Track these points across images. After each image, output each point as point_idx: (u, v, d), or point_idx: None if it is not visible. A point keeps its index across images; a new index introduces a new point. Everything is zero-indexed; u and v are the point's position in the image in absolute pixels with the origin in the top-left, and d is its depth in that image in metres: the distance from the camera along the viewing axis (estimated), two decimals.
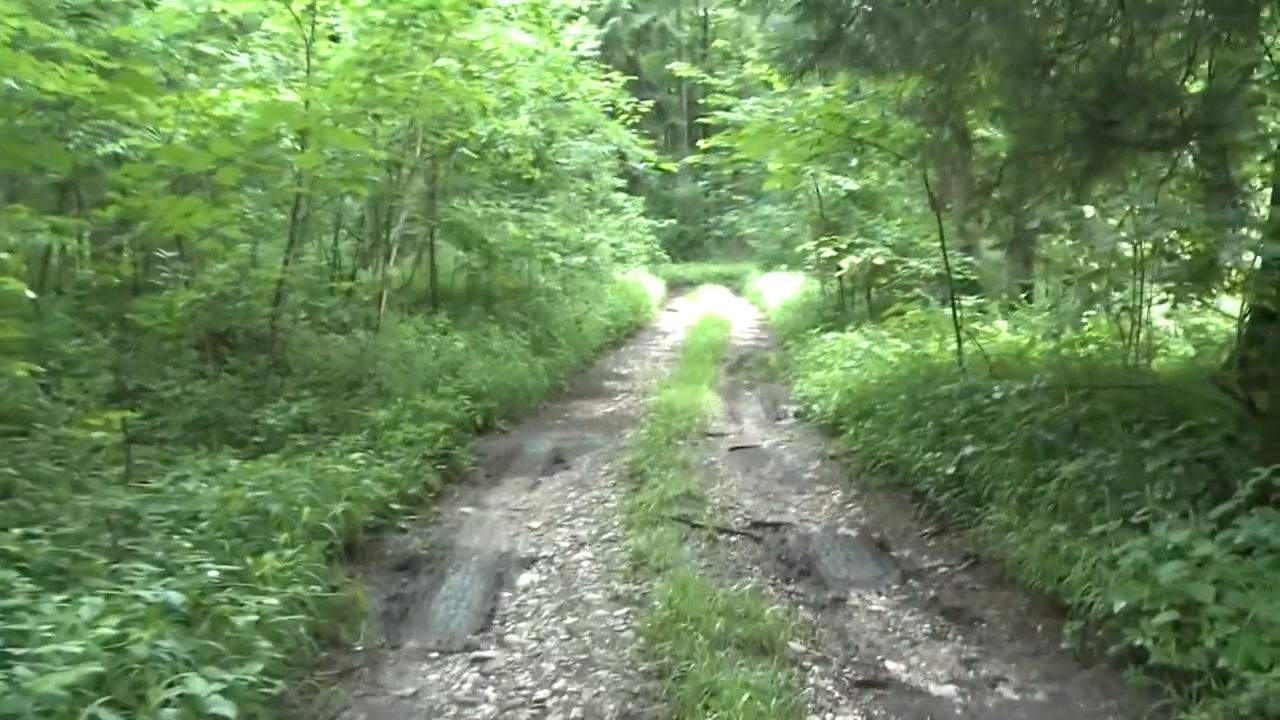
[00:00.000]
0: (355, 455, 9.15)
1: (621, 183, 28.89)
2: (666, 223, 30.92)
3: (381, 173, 15.91)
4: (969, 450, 8.13)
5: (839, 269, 19.07)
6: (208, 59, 11.92)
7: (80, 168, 9.69)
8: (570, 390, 15.90)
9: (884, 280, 15.69)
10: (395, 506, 8.47)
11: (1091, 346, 10.64)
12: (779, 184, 11.60)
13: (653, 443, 11.11)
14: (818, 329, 17.96)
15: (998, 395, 8.34)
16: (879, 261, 15.13)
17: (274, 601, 5.37)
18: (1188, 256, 8.15)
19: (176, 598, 4.79)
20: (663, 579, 6.80)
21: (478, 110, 15.37)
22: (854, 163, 15.38)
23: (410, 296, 17.11)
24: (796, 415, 13.45)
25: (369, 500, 8.14)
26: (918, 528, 8.13)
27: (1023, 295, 16.60)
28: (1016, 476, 7.51)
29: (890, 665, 5.73)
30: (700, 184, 50.23)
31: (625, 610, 6.39)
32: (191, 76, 11.39)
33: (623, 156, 27.03)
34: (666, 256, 32.15)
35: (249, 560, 5.78)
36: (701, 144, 16.43)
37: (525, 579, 7.27)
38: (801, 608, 6.48)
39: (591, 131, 23.41)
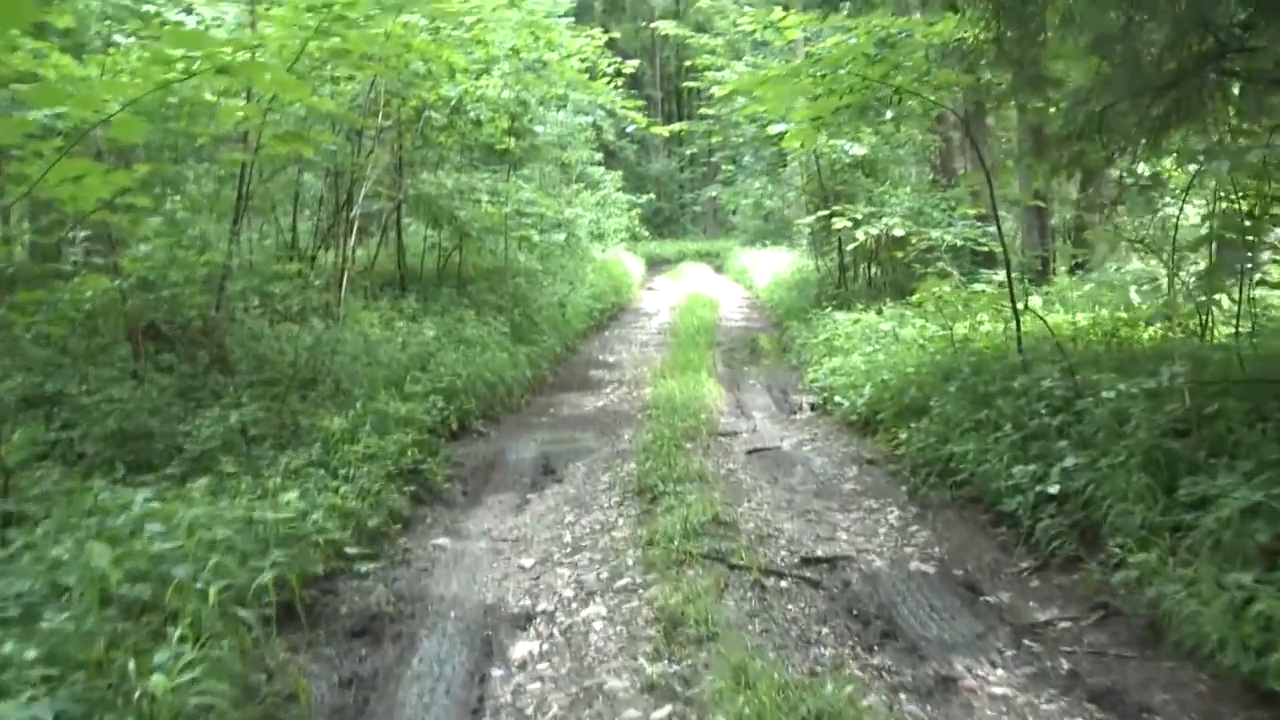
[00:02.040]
0: (303, 478, 7.36)
1: (598, 156, 27.10)
2: (644, 198, 29.07)
3: (339, 141, 14.07)
4: (1070, 462, 6.37)
5: (839, 242, 17.36)
6: (144, 16, 10.09)
7: None
8: (555, 381, 14.08)
9: (900, 253, 13.93)
10: (351, 550, 6.61)
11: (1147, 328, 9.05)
12: (798, 142, 9.77)
13: (658, 447, 9.32)
14: (821, 308, 16.20)
15: (1109, 395, 6.59)
16: (899, 233, 13.35)
17: None
18: None
19: None
20: (708, 653, 5.03)
21: (445, 71, 13.54)
22: (888, 115, 13.58)
23: (376, 279, 15.24)
24: (813, 408, 11.69)
25: (317, 545, 6.29)
26: (1010, 561, 6.36)
27: (1041, 268, 14.93)
28: (1145, 499, 5.76)
29: None
30: (677, 159, 48.55)
31: (666, 713, 4.58)
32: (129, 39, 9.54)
33: (599, 129, 25.25)
34: (646, 233, 30.30)
35: (131, 667, 3.96)
36: (716, 90, 14.46)
37: (521, 649, 5.46)
38: (903, 696, 4.69)
39: (566, 103, 21.67)
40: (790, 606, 5.74)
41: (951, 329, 10.40)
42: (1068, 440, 6.68)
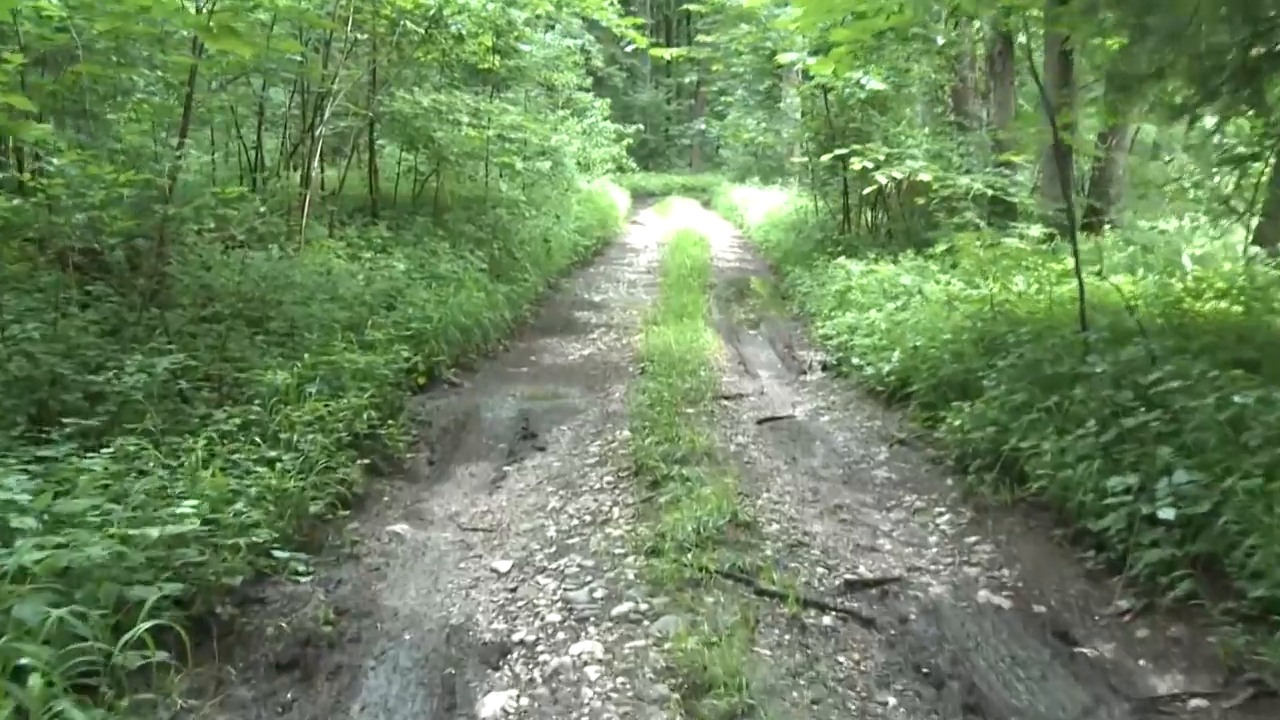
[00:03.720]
0: (235, 445, 5.98)
1: (587, 82, 25.44)
2: (633, 128, 27.42)
3: (307, 52, 12.51)
4: (1182, 479, 5.03)
5: (845, 184, 15.92)
6: None
7: None
8: (536, 324, 12.67)
9: (921, 200, 12.51)
10: (279, 553, 5.21)
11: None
12: (829, 70, 8.27)
13: (656, 412, 7.99)
14: (826, 254, 14.79)
15: (1242, 401, 5.25)
16: (925, 178, 11.91)
17: None
18: None
19: None
20: None
21: None
22: (939, 41, 12.17)
23: (347, 204, 13.73)
24: (825, 368, 10.34)
25: (237, 550, 4.90)
26: (1103, 597, 5.03)
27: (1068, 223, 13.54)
28: None
29: None
30: (664, 90, 46.85)
31: None
32: None
33: (588, 54, 23.62)
34: (634, 165, 28.72)
35: None
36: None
37: (493, 704, 4.11)
38: None
39: (555, 24, 20.04)
40: (841, 659, 4.40)
41: (992, 290, 9.02)
42: (1170, 447, 5.33)
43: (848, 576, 5.25)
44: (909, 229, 14.67)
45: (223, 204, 9.53)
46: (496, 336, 11.08)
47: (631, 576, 5.17)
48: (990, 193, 12.01)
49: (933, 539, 5.87)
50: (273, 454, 6.09)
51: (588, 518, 6.13)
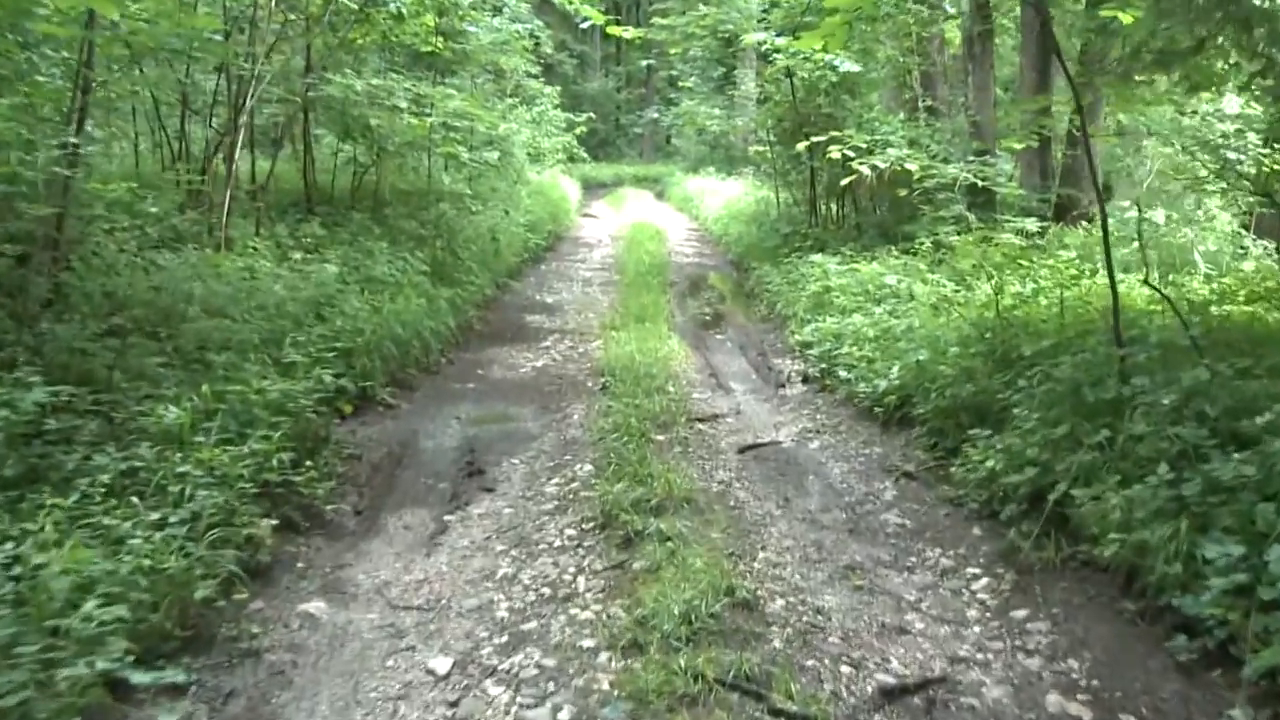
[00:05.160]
0: (107, 508, 4.75)
1: (536, 69, 24.12)
2: (584, 117, 26.14)
3: (229, 30, 11.19)
4: None
5: (812, 174, 14.78)
6: None
7: None
8: (484, 330, 11.39)
9: (903, 191, 11.36)
10: (139, 677, 3.94)
11: None
12: (817, 44, 7.02)
13: (622, 442, 6.83)
14: (793, 250, 13.64)
15: None
16: (911, 167, 10.76)
17: None
18: None
19: None
20: None
21: None
22: (949, 9, 11.04)
23: (280, 199, 12.40)
24: (806, 380, 9.19)
25: (74, 687, 3.65)
26: (1207, 702, 3.89)
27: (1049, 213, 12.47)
28: None
29: None
30: (614, 79, 45.62)
31: None
32: None
33: (537, 40, 22.31)
34: (586, 155, 27.44)
35: None
36: None
37: None
38: None
39: (502, 9, 18.74)
40: None
41: (995, 293, 7.89)
42: (1273, 504, 4.20)
43: (880, 677, 4.08)
44: (882, 222, 13.55)
45: (136, 198, 8.28)
46: (439, 348, 9.81)
47: (606, 686, 3.97)
48: (981, 183, 10.88)
49: (972, 613, 4.71)
50: (156, 515, 4.84)
51: (546, 590, 4.91)
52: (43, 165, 6.46)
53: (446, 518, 5.96)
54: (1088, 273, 8.91)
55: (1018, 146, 10.58)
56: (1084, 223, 12.29)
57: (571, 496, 6.18)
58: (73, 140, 6.74)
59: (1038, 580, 4.92)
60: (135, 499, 4.92)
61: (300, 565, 5.28)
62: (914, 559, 5.32)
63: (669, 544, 5.11)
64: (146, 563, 4.37)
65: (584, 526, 5.67)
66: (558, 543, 5.49)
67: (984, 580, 5.01)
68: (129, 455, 5.39)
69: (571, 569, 5.13)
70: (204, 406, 5.96)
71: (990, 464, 5.71)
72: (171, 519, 4.88)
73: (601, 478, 6.31)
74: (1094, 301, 7.72)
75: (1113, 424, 5.31)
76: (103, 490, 5.03)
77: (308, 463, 6.10)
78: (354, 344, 8.19)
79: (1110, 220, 12.03)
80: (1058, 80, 13.56)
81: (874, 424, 7.63)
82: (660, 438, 7.16)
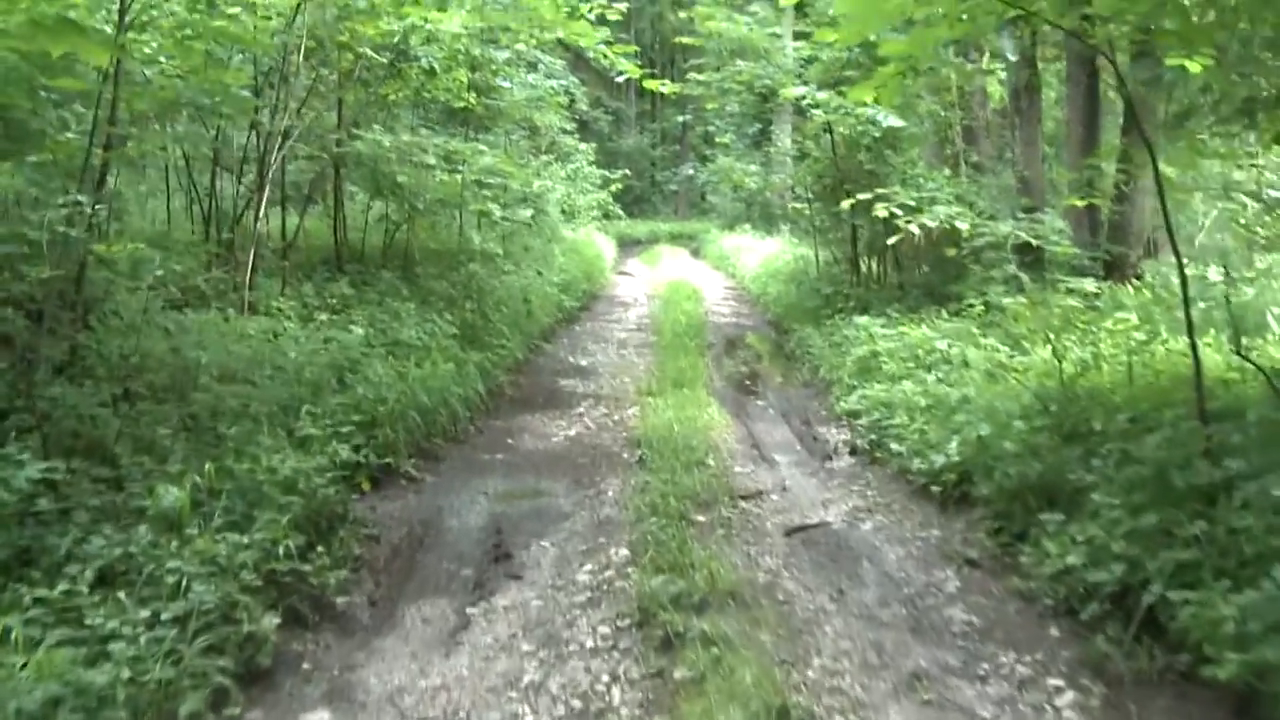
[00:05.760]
0: (93, 600, 4.30)
1: (571, 126, 23.88)
2: (619, 174, 25.84)
3: (259, 85, 10.91)
4: None
5: (854, 231, 14.29)
6: None
7: None
8: (515, 395, 10.89)
9: (952, 250, 10.83)
10: None
11: None
12: (869, 96, 6.46)
13: (660, 524, 6.30)
14: (836, 311, 13.11)
15: None
16: (962, 225, 10.25)
17: None
18: None
19: None
20: None
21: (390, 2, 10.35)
22: (1009, 54, 10.53)
23: (311, 256, 12.04)
24: (854, 451, 8.63)
25: None
26: None
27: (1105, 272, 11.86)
28: None
29: None
30: (649, 135, 45.48)
31: None
32: None
33: (572, 97, 22.08)
34: (621, 212, 27.12)
35: None
36: None
37: None
38: None
39: (537, 66, 18.46)
40: None
41: (1061, 361, 7.33)
42: None
43: None
44: (927, 282, 13.01)
45: (145, 258, 7.87)
46: (468, 415, 9.32)
47: None
48: (1035, 242, 10.35)
49: None
50: (145, 613, 4.35)
51: (577, 703, 4.37)
52: (48, 225, 6.04)
53: (469, 610, 5.43)
54: (1151, 336, 8.30)
55: (1080, 204, 10.05)
56: (1134, 280, 11.70)
57: (605, 587, 5.64)
58: (80, 198, 6.33)
59: (1131, 696, 4.33)
60: (122, 594, 4.43)
61: (306, 666, 4.76)
62: (986, 665, 4.74)
63: (714, 650, 4.57)
64: (126, 673, 3.87)
65: (619, 624, 5.12)
66: (590, 643, 4.94)
67: (1069, 695, 4.41)
68: (127, 539, 4.93)
69: (605, 676, 4.58)
70: (207, 486, 5.47)
71: (1070, 558, 5.10)
72: (164, 615, 4.40)
73: (638, 565, 5.78)
74: (1163, 369, 7.15)
75: (1208, 514, 4.74)
76: (93, 580, 4.58)
77: (319, 547, 5.60)
78: (376, 413, 7.72)
79: (1160, 279, 11.59)
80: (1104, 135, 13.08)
81: (930, 503, 7.05)
82: (701, 518, 6.63)
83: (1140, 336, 8.06)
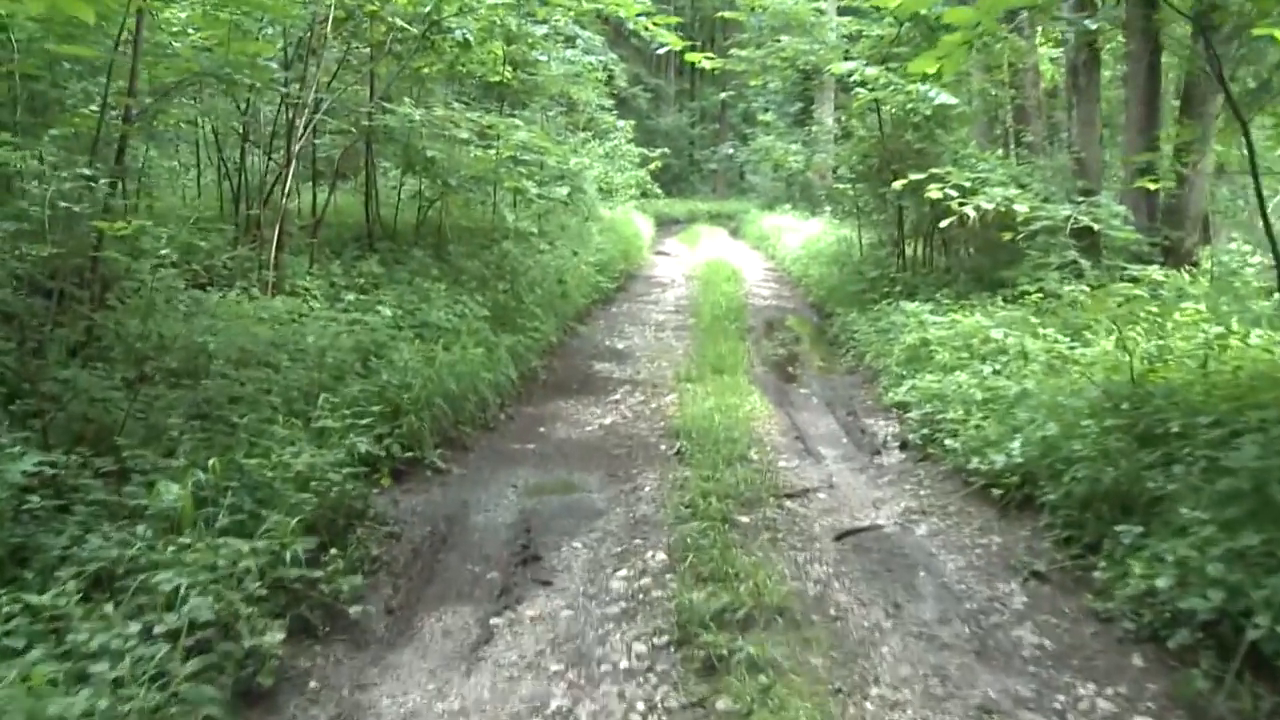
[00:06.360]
0: (85, 609, 3.90)
1: (609, 102, 23.39)
2: (658, 152, 25.28)
3: (288, 57, 10.52)
4: None
5: (900, 213, 13.72)
6: None
7: None
8: (548, 379, 10.44)
9: (1008, 235, 10.23)
10: None
11: None
12: (931, 67, 5.95)
13: (700, 526, 5.87)
14: (882, 295, 12.55)
15: None
16: (1020, 208, 9.68)
17: None
18: None
19: None
20: None
21: None
22: (1089, 24, 9.95)
23: (342, 233, 11.67)
24: (904, 446, 8.12)
25: None
26: None
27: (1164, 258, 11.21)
28: None
29: None
30: (688, 114, 44.87)
31: None
32: None
33: (610, 73, 21.58)
34: (659, 191, 26.58)
35: None
36: None
37: None
38: None
39: (575, 41, 17.94)
40: None
41: (1131, 355, 6.78)
42: None
43: None
44: (977, 266, 12.42)
45: (187, 234, 7.49)
46: (498, 401, 8.87)
47: None
48: (1096, 226, 9.76)
49: None
50: (135, 627, 3.94)
51: None
52: (48, 200, 5.62)
53: (494, 620, 4.98)
54: (1227, 330, 7.71)
55: (1153, 186, 9.42)
56: (1191, 266, 11.06)
57: (642, 596, 5.18)
58: (86, 172, 5.91)
59: None
60: (111, 606, 4.01)
61: (313, 685, 4.33)
62: (1063, 697, 4.23)
63: (761, 677, 4.10)
64: (105, 702, 3.45)
65: (656, 641, 4.65)
66: (624, 663, 4.48)
67: None
68: (126, 539, 4.52)
69: (640, 704, 4.12)
70: (213, 482, 5.04)
71: (1160, 580, 4.56)
72: (157, 628, 3.98)
73: (677, 573, 5.32)
74: (1242, 365, 6.59)
75: None
76: (86, 586, 4.18)
77: (333, 550, 5.15)
78: (400, 401, 7.28)
79: (1220, 266, 10.95)
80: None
81: (990, 507, 6.52)
82: (744, 519, 6.16)
83: (1215, 329, 7.47)
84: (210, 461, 5.12)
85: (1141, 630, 4.65)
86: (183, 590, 4.18)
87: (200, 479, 4.98)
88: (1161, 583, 4.51)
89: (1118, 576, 4.99)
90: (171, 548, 4.41)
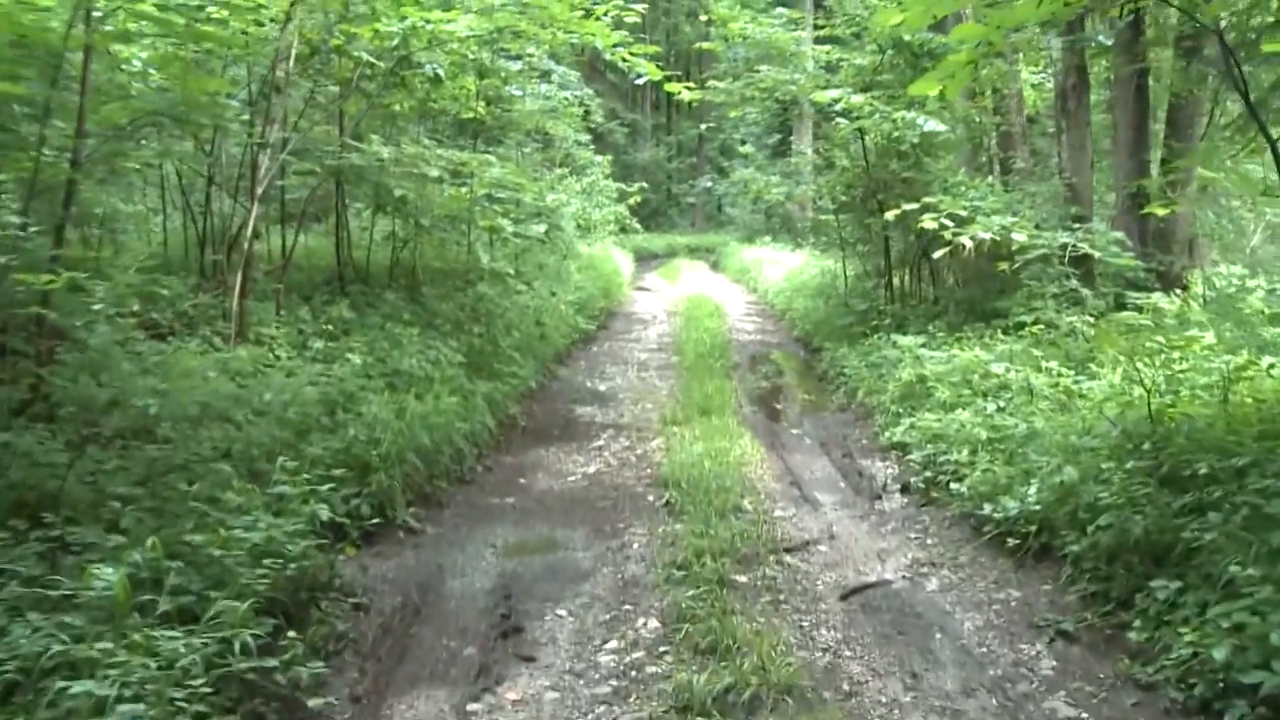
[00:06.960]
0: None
1: (586, 137, 22.98)
2: (636, 187, 24.88)
3: (253, 96, 10.09)
4: None
5: (886, 244, 13.33)
6: None
7: None
8: (528, 427, 9.93)
9: (1003, 265, 9.81)
10: None
11: None
12: (934, 89, 5.53)
13: (694, 588, 5.38)
14: (870, 329, 12.12)
15: None
16: (1019, 237, 9.27)
17: None
18: None
19: None
20: None
21: (389, 3, 9.50)
22: (1102, 38, 9.55)
23: (313, 276, 11.17)
24: (906, 489, 7.65)
25: None
26: None
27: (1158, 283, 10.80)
28: None
29: None
30: (665, 148, 44.61)
31: None
32: None
33: (586, 108, 21.19)
34: (639, 226, 26.18)
35: None
36: None
37: None
38: None
39: (550, 75, 17.57)
40: None
41: (1149, 391, 6.32)
42: None
43: None
44: (969, 297, 12.00)
45: (81, 290, 6.95)
46: (476, 451, 8.38)
47: None
48: (1097, 255, 9.36)
49: None
50: None
51: None
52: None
53: (471, 707, 4.46)
54: (1245, 360, 7.26)
55: (1161, 212, 9.03)
56: (1178, 290, 10.62)
57: (634, 673, 4.67)
58: (15, 220, 5.43)
59: None
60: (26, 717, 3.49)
61: None
62: None
63: None
64: None
65: None
66: None
67: None
68: (54, 630, 3.99)
69: None
70: (154, 562, 4.52)
71: (1214, 650, 4.06)
72: None
73: (672, 645, 4.82)
74: (1264, 398, 6.16)
75: None
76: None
77: (291, 633, 4.63)
78: (369, 458, 6.77)
79: (1212, 290, 10.53)
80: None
81: (1005, 557, 6.05)
82: (742, 579, 5.68)
83: (1231, 358, 7.03)
84: (150, 540, 4.58)
85: (1190, 702, 4.18)
86: (113, 692, 3.67)
87: (139, 560, 4.44)
88: (1219, 654, 4.02)
89: (1155, 638, 4.52)
90: (101, 643, 3.88)
